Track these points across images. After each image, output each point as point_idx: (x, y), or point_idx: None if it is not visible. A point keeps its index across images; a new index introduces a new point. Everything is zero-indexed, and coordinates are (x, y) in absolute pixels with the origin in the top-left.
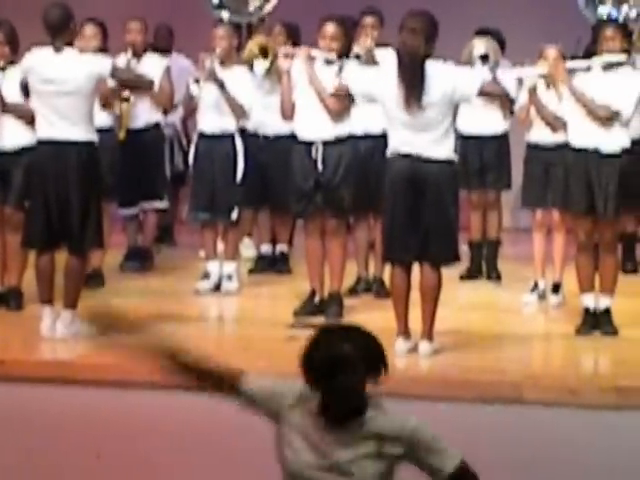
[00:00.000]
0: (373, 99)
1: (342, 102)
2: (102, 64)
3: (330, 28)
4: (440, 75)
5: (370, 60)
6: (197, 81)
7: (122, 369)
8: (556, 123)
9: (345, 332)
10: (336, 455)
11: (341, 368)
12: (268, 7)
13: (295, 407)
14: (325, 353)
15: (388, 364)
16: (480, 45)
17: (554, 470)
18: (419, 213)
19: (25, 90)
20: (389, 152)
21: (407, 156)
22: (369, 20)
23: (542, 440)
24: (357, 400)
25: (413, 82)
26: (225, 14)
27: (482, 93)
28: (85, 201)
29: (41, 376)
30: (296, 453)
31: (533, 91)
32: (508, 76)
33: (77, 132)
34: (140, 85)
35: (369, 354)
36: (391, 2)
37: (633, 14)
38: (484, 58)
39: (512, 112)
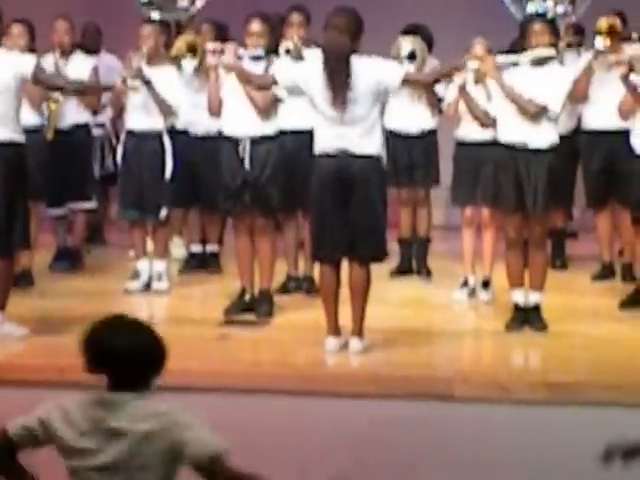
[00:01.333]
0: (297, 92)
1: (270, 99)
2: (26, 65)
3: (255, 25)
4: (365, 70)
5: (298, 56)
6: (124, 80)
7: (51, 369)
8: (486, 120)
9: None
10: (114, 455)
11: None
12: (197, 5)
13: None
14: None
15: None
16: (407, 44)
17: (484, 466)
18: (347, 210)
19: None
20: (316, 149)
21: (334, 153)
22: (296, 17)
23: (473, 436)
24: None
25: (339, 80)
26: (153, 12)
27: (406, 81)
28: (12, 202)
29: None
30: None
31: (463, 88)
32: None
33: (3, 132)
34: (71, 89)
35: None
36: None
37: (560, 10)
38: (411, 56)
39: (440, 110)
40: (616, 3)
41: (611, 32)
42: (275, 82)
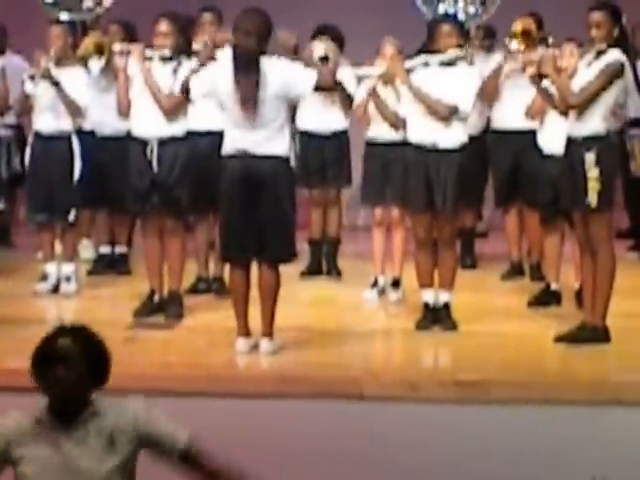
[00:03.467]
0: (210, 96)
1: (176, 100)
2: None
3: (163, 25)
4: (275, 72)
5: (208, 57)
6: (32, 77)
7: None
8: (396, 121)
9: (71, 331)
10: (70, 454)
11: (58, 358)
12: (104, 5)
13: (24, 435)
14: (46, 345)
15: (109, 371)
16: (320, 47)
17: (394, 465)
18: (255, 211)
19: None
20: (224, 150)
21: (241, 154)
22: (207, 17)
23: (383, 435)
24: (74, 394)
25: (248, 82)
26: (60, 13)
27: (318, 88)
28: None
29: None
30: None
31: (374, 92)
32: (348, 75)
33: None
34: None
35: (91, 354)
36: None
37: (471, 11)
38: (324, 59)
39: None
40: (528, 4)
41: (526, 35)
42: (187, 99)
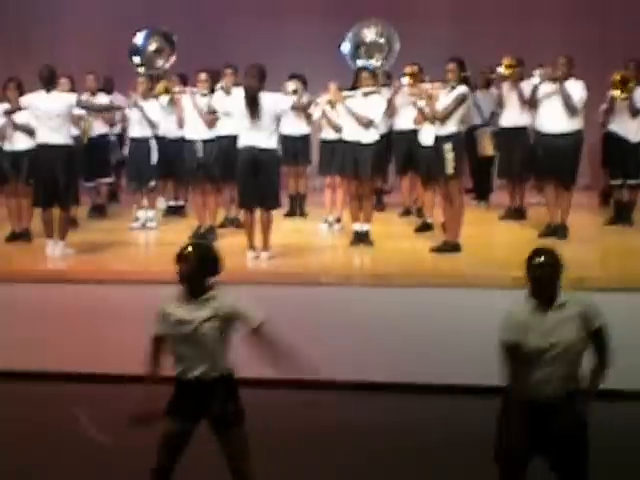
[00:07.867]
0: (229, 113)
1: (212, 118)
2: (72, 99)
3: (202, 76)
4: (268, 99)
5: (228, 92)
6: (128, 106)
7: (95, 271)
8: (336, 128)
9: (196, 244)
10: (194, 317)
11: (181, 259)
12: (167, 65)
13: (173, 304)
14: (179, 250)
15: (219, 268)
16: (291, 85)
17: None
18: (257, 179)
19: None
20: (239, 145)
21: (249, 147)
22: (228, 70)
23: (334, 307)
24: (191, 280)
25: (253, 106)
26: (143, 69)
27: (293, 108)
28: (69, 177)
29: (43, 277)
30: (174, 325)
31: (323, 112)
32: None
33: (61, 138)
34: (96, 109)
35: (203, 258)
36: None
37: (378, 64)
38: (294, 92)
39: (311, 122)
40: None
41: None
42: (215, 117)
